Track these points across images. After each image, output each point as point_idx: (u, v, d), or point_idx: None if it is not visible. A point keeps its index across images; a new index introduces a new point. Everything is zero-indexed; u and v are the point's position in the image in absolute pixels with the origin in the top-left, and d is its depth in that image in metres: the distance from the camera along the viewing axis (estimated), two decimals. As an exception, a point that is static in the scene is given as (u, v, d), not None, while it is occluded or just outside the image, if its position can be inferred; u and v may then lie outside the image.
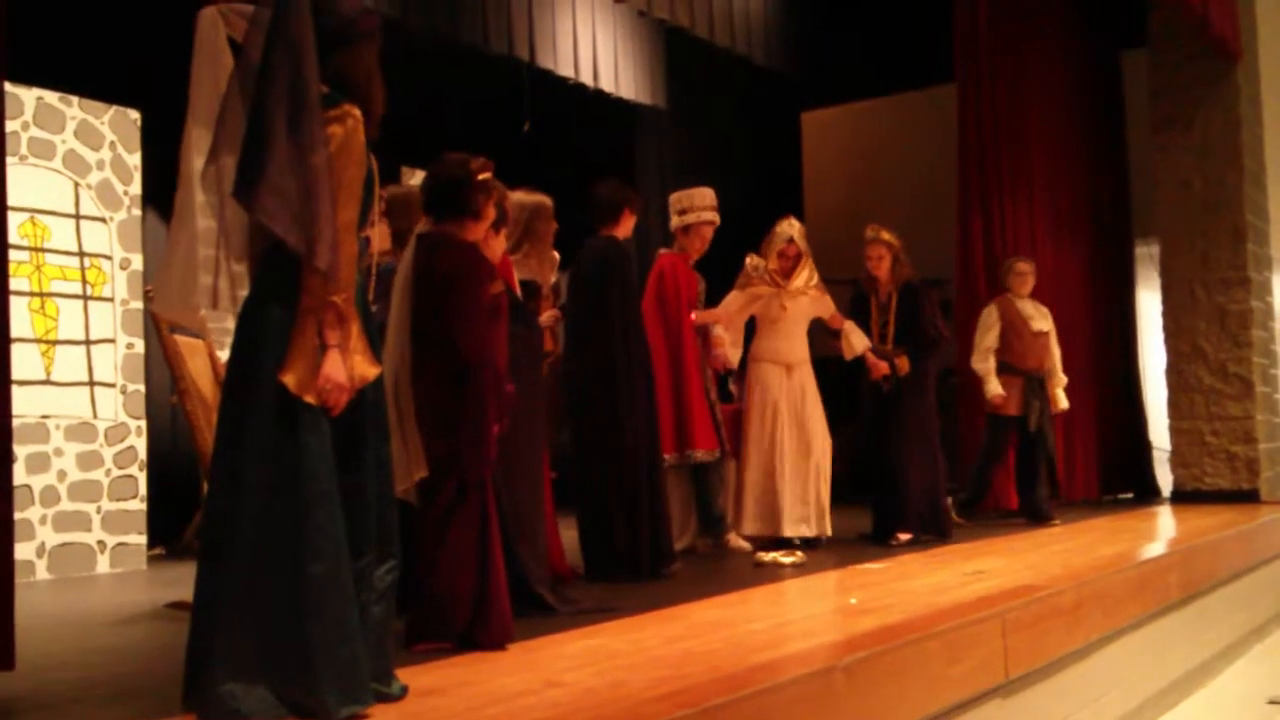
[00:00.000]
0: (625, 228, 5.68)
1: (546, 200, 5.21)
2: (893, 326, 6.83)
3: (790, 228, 6.64)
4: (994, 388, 7.68)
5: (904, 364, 6.74)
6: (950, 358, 9.09)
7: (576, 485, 5.48)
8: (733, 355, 6.66)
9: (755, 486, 6.44)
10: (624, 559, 5.30)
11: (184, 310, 3.21)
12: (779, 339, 6.58)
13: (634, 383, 5.44)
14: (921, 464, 6.75)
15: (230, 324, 3.03)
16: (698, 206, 6.47)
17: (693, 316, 6.47)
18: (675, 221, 6.55)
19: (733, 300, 6.63)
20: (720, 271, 7.58)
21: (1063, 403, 7.90)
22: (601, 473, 5.36)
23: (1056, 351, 7.94)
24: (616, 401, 5.37)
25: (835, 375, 7.14)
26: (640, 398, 5.46)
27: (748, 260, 6.74)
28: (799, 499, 6.41)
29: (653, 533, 5.38)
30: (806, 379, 6.58)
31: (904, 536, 6.62)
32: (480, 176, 3.90)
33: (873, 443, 6.87)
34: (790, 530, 6.37)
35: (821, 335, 6.95)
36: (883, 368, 6.72)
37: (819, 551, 6.42)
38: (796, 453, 6.46)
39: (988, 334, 7.83)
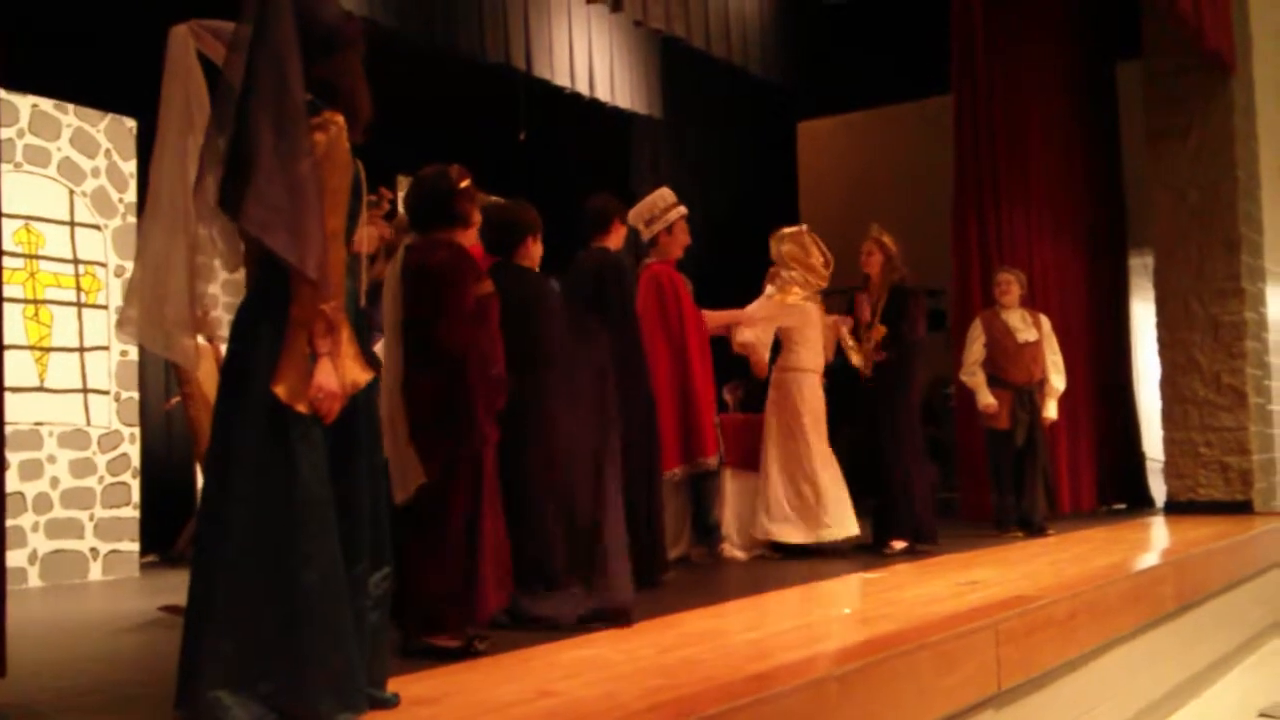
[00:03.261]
0: (616, 239, 5.73)
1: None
2: (878, 323, 6.89)
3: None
4: (984, 398, 7.71)
5: (879, 331, 6.85)
6: (929, 366, 9.10)
7: None
8: (762, 358, 6.87)
9: (791, 495, 6.64)
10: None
11: (153, 332, 3.18)
12: (812, 349, 6.84)
13: (632, 392, 5.43)
14: (918, 471, 6.80)
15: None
16: (664, 206, 6.46)
17: (710, 318, 6.56)
18: (648, 232, 6.48)
19: (761, 308, 6.86)
20: (712, 277, 7.62)
21: (1048, 412, 7.82)
22: None
23: (1053, 359, 7.88)
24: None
25: (837, 381, 7.16)
26: (639, 408, 5.46)
27: (773, 275, 6.95)
28: (838, 502, 6.68)
29: (647, 542, 5.37)
30: (820, 389, 6.87)
31: (898, 545, 6.62)
32: (462, 185, 3.93)
33: (870, 449, 6.90)
34: (839, 534, 6.63)
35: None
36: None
37: (812, 561, 6.42)
38: (827, 459, 6.71)
39: (971, 348, 7.87)
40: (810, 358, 6.85)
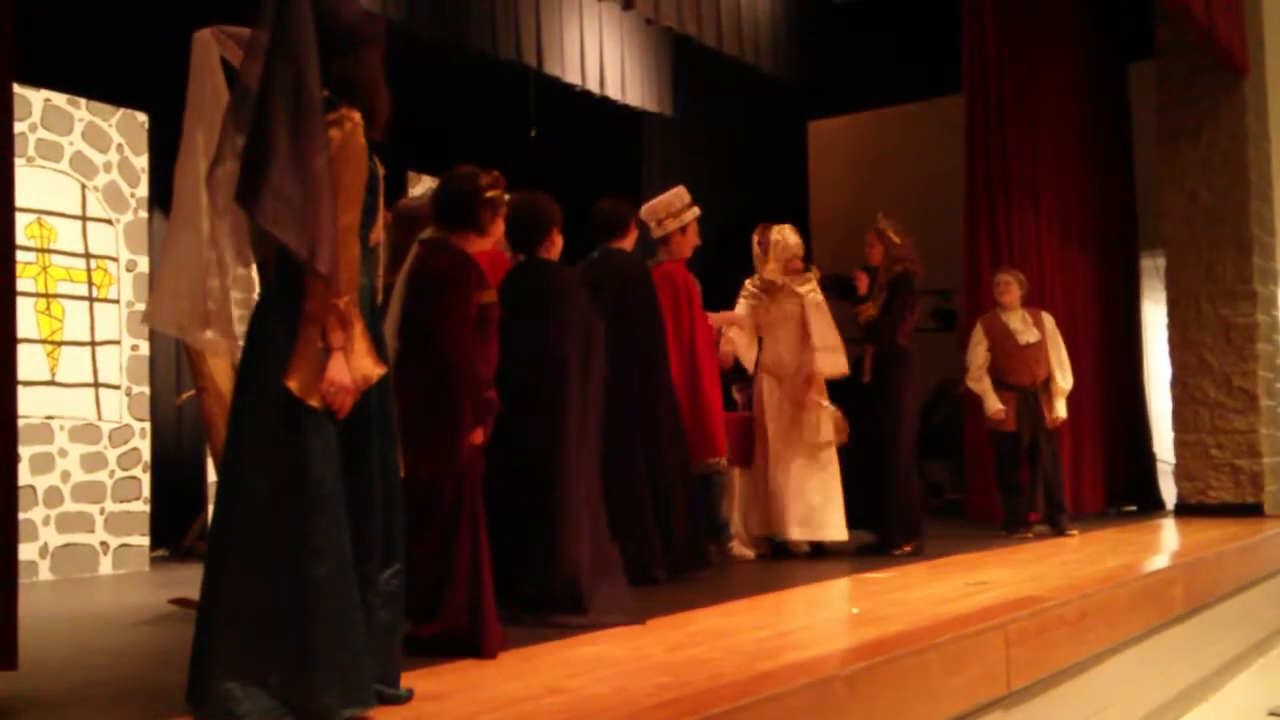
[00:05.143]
0: (631, 240, 5.83)
1: None
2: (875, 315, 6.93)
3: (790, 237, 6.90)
4: (992, 404, 7.66)
5: (867, 310, 6.92)
6: (939, 366, 9.07)
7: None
8: (747, 356, 6.85)
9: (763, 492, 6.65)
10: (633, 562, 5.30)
11: (177, 323, 3.20)
12: (776, 348, 6.80)
13: (661, 392, 5.56)
14: (914, 472, 6.82)
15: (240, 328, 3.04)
16: (680, 205, 6.47)
17: (710, 319, 6.59)
18: (660, 230, 6.49)
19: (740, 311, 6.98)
20: (720, 275, 7.62)
21: (1058, 412, 7.75)
22: (623, 473, 5.37)
23: (1058, 358, 7.80)
24: (631, 412, 5.40)
25: (836, 384, 7.13)
26: (667, 408, 5.58)
27: (747, 284, 7.00)
28: (797, 503, 6.58)
29: (688, 534, 5.50)
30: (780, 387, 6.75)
31: (908, 547, 6.63)
32: (489, 194, 3.92)
33: (866, 452, 6.89)
34: (795, 534, 6.60)
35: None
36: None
37: (821, 560, 6.43)
38: (789, 460, 6.61)
39: (974, 352, 7.81)
40: (765, 357, 6.84)
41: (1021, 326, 7.78)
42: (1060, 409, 7.78)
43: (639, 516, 5.34)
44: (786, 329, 6.80)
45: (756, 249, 6.94)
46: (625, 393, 5.33)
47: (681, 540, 5.51)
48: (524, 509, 4.28)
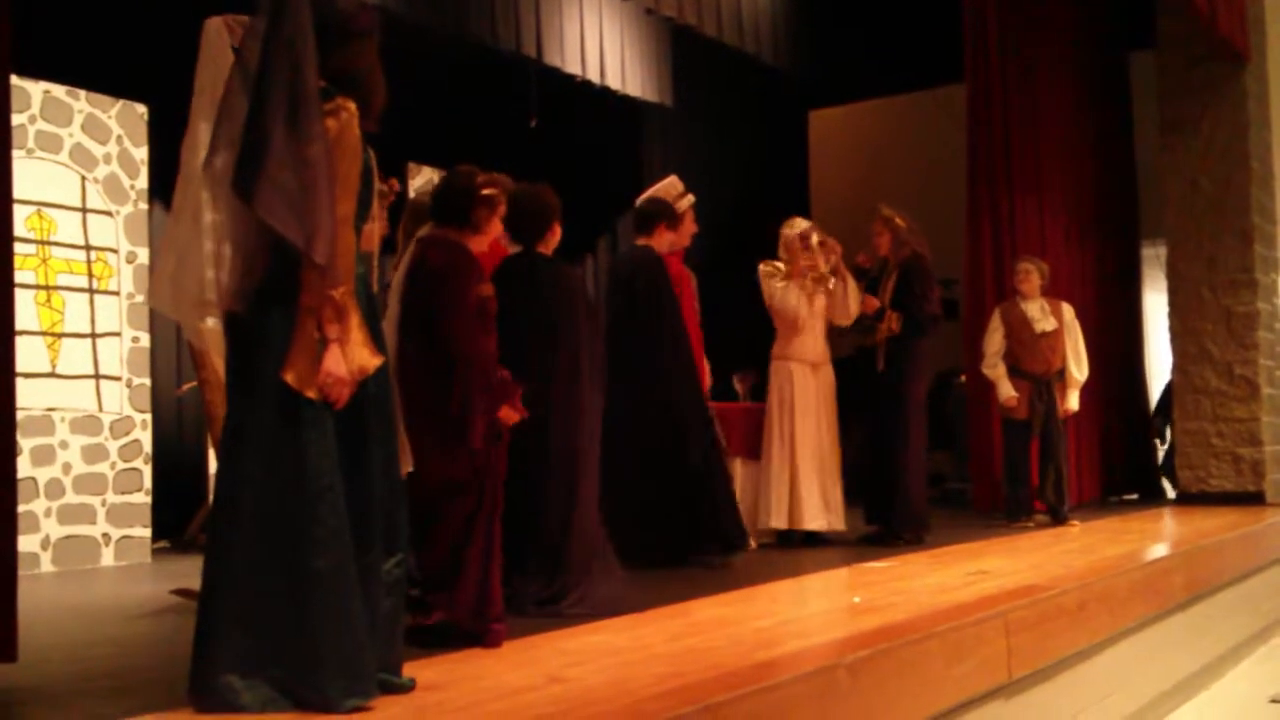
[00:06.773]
0: (659, 239, 6.05)
1: None
2: (889, 301, 6.87)
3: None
4: (1005, 391, 7.64)
5: (893, 319, 6.81)
6: (943, 356, 9.05)
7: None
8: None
9: (780, 483, 6.63)
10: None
11: (177, 309, 3.19)
12: (791, 339, 6.78)
13: (689, 385, 5.81)
14: (922, 463, 6.81)
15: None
16: (674, 195, 6.47)
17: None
18: None
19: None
20: (721, 265, 7.59)
21: (1070, 403, 7.75)
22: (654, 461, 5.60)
23: (1074, 349, 7.78)
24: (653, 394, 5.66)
25: (846, 372, 7.12)
26: (695, 398, 5.85)
27: (760, 267, 6.94)
28: (819, 493, 6.63)
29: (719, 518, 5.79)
30: (828, 377, 6.84)
31: (910, 539, 6.63)
32: (485, 192, 3.92)
33: (875, 441, 6.88)
34: (811, 524, 6.62)
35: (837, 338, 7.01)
36: (873, 303, 6.85)
37: (824, 549, 6.43)
38: (817, 449, 6.67)
39: (991, 339, 7.80)
40: (791, 347, 6.80)
41: (1039, 315, 7.75)
42: (1072, 401, 7.76)
43: (713, 500, 5.72)
44: (820, 322, 6.85)
45: (799, 250, 6.87)
46: (663, 381, 5.66)
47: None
48: (531, 503, 4.28)
